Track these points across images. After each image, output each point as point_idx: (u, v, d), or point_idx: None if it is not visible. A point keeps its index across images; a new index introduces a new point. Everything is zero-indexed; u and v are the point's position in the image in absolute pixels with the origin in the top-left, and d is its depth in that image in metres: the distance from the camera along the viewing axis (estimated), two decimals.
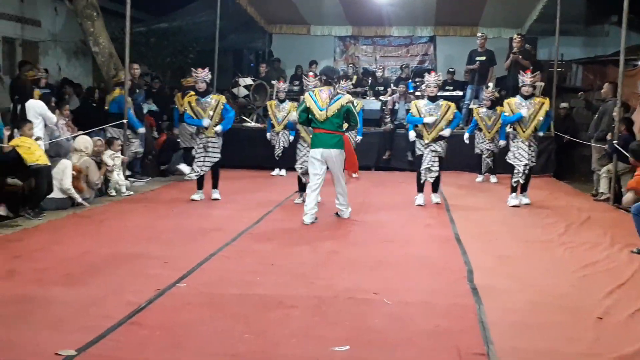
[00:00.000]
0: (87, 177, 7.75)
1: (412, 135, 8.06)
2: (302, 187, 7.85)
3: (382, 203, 8.23)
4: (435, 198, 8.10)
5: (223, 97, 8.24)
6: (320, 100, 6.73)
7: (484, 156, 10.45)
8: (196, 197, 8.07)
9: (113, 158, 8.47)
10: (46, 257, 5.22)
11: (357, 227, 6.68)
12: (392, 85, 13.83)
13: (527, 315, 3.99)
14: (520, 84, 8.01)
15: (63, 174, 7.28)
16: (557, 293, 4.47)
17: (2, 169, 6.92)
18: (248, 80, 13.28)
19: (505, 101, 8.24)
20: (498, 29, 15.35)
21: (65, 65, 13.45)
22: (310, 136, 7.35)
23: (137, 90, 9.66)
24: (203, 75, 7.96)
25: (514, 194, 8.02)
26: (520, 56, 11.72)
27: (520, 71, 8.14)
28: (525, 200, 8.13)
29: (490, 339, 3.53)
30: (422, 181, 7.93)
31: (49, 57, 12.94)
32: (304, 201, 7.32)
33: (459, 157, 10.92)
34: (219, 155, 8.05)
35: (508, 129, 8.23)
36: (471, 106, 12.62)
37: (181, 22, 14.48)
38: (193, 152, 8.37)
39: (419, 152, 7.97)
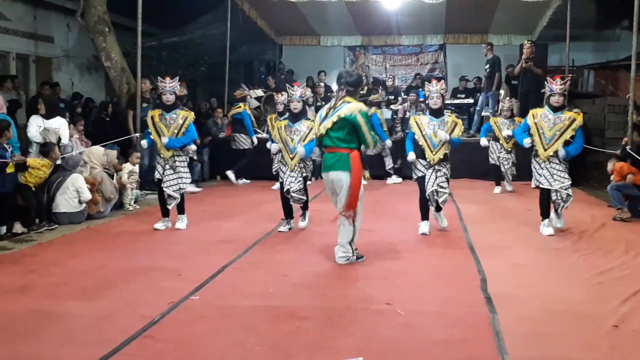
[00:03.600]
0: (100, 190, 7.81)
1: (411, 156, 6.75)
2: (289, 213, 7.00)
3: (393, 212, 8.22)
4: (441, 221, 6.94)
5: (192, 113, 7.11)
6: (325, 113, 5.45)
7: (505, 167, 9.79)
8: (160, 225, 7.05)
9: (130, 174, 8.52)
10: (60, 272, 5.26)
11: (368, 236, 6.66)
12: (402, 94, 13.87)
13: (542, 324, 3.96)
14: (549, 93, 6.65)
15: (77, 187, 7.35)
16: (572, 301, 4.44)
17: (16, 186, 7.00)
18: (259, 92, 13.36)
19: (531, 111, 6.88)
20: (508, 35, 15.37)
21: (78, 80, 13.60)
22: (291, 155, 6.78)
23: (144, 105, 9.69)
24: (171, 85, 6.88)
25: (546, 221, 6.72)
26: (531, 63, 11.67)
27: (549, 78, 6.74)
28: (560, 222, 6.85)
29: (505, 349, 3.51)
30: (428, 207, 6.79)
31: (62, 72, 13.10)
32: (290, 229, 6.90)
33: (469, 164, 10.90)
34: (189, 175, 7.22)
35: (527, 142, 6.71)
36: (483, 113, 12.63)
37: (192, 35, 14.64)
38: (157, 175, 7.06)
39: (420, 174, 6.74)
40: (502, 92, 11.50)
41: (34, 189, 7.03)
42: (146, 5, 9.50)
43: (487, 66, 12.56)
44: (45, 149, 7.37)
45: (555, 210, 6.77)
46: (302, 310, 4.20)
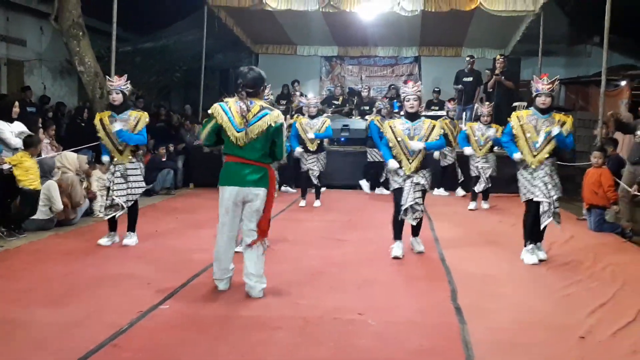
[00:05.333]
0: (70, 195, 7.70)
1: (393, 163, 6.07)
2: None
3: (369, 221, 8.24)
4: (417, 245, 6.36)
5: (145, 113, 6.57)
6: (237, 116, 4.62)
7: (484, 177, 9.37)
8: (105, 241, 6.43)
9: (99, 181, 8.39)
10: (28, 278, 5.17)
11: (342, 246, 6.67)
12: (377, 104, 13.92)
13: (511, 335, 4.00)
14: (535, 93, 5.98)
15: (50, 196, 7.25)
16: (541, 312, 4.49)
17: None
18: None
19: (515, 114, 6.21)
20: (482, 49, 15.62)
21: (51, 84, 13.45)
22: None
23: None
24: (119, 84, 6.42)
25: (530, 246, 6.02)
26: (503, 77, 11.92)
27: (534, 77, 6.09)
28: (541, 255, 6.09)
29: (474, 358, 3.54)
30: (401, 225, 6.17)
31: (34, 76, 12.94)
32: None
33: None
34: (143, 186, 6.62)
35: (517, 157, 6.06)
36: (460, 126, 12.76)
37: (167, 41, 14.55)
38: (106, 183, 6.62)
39: (396, 186, 6.13)
40: (478, 105, 11.61)
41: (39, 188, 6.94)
42: (121, 10, 9.46)
43: (471, 79, 12.75)
44: (31, 139, 7.22)
45: (539, 239, 6.12)
46: (274, 320, 4.18)
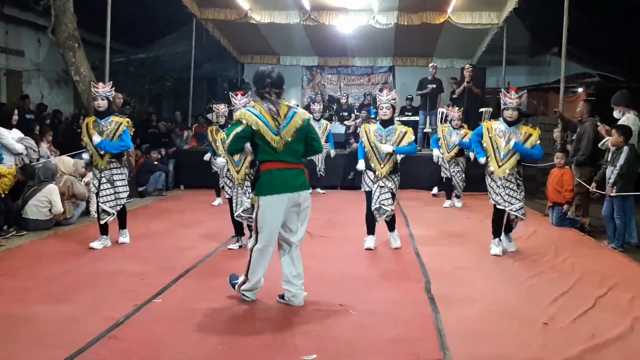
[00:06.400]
0: (73, 194, 7.64)
1: (361, 164, 6.09)
2: (239, 229, 6.30)
3: (348, 220, 8.23)
4: (394, 241, 6.32)
5: (126, 119, 6.26)
6: (269, 119, 4.09)
7: (456, 179, 9.33)
8: (97, 244, 6.19)
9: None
10: (28, 276, 5.10)
11: (324, 242, 6.67)
12: (355, 111, 14.02)
13: (480, 323, 4.03)
14: (503, 106, 5.90)
15: (50, 199, 7.19)
16: (507, 302, 4.53)
17: None
18: (222, 107, 13.24)
19: (484, 124, 6.11)
20: (450, 59, 15.72)
21: (48, 93, 13.27)
22: (237, 169, 5.86)
23: None
24: (103, 90, 6.12)
25: (496, 240, 6.12)
26: (472, 83, 12.03)
27: (503, 90, 6.01)
28: (510, 245, 6.27)
29: (447, 346, 3.56)
30: (373, 222, 6.19)
31: (32, 85, 12.77)
32: (240, 247, 6.17)
33: (416, 175, 11.01)
34: (127, 189, 6.35)
35: (482, 161, 6.20)
36: (425, 130, 12.86)
37: (158, 52, 14.47)
38: (92, 189, 6.35)
39: (367, 188, 6.10)
40: (443, 109, 11.56)
41: (2, 195, 6.81)
42: (115, 23, 9.36)
43: (434, 85, 12.84)
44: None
45: (507, 233, 6.24)
46: (261, 312, 4.18)
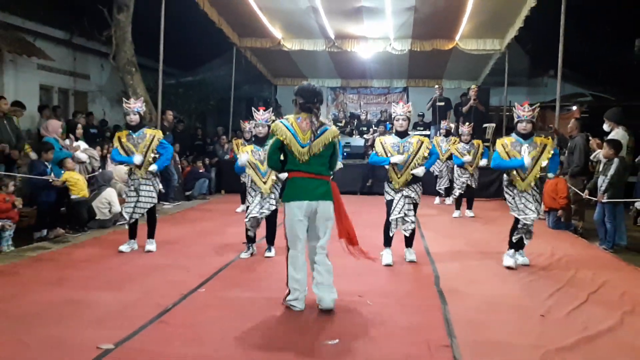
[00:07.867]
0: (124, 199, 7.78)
1: (397, 158, 5.35)
2: (251, 238, 5.81)
3: (366, 222, 8.11)
4: (409, 255, 5.57)
5: (159, 131, 5.96)
6: (299, 131, 3.96)
7: (472, 188, 8.81)
8: (125, 248, 5.83)
9: None
10: (91, 267, 5.18)
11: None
12: (373, 126, 14.02)
13: (484, 314, 3.97)
14: (516, 119, 5.26)
15: (110, 200, 7.33)
16: (509, 295, 4.46)
17: (57, 198, 6.91)
18: (247, 124, 13.37)
19: (499, 141, 5.45)
20: (458, 81, 15.60)
21: (109, 110, 13.51)
22: (263, 179, 5.53)
23: (167, 133, 9.65)
24: (135, 106, 5.78)
25: (511, 251, 5.41)
26: (478, 100, 12.02)
27: (516, 104, 5.33)
28: (523, 260, 5.50)
29: (454, 333, 3.51)
30: (392, 234, 5.47)
31: (96, 104, 13.02)
32: (252, 254, 5.72)
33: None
34: (154, 200, 5.83)
35: (506, 181, 5.42)
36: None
37: (204, 75, 14.70)
38: (123, 196, 6.09)
39: (388, 197, 5.47)
40: (445, 124, 11.27)
41: (85, 199, 6.98)
42: (167, 50, 9.51)
43: (443, 103, 12.87)
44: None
45: (521, 247, 5.52)
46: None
